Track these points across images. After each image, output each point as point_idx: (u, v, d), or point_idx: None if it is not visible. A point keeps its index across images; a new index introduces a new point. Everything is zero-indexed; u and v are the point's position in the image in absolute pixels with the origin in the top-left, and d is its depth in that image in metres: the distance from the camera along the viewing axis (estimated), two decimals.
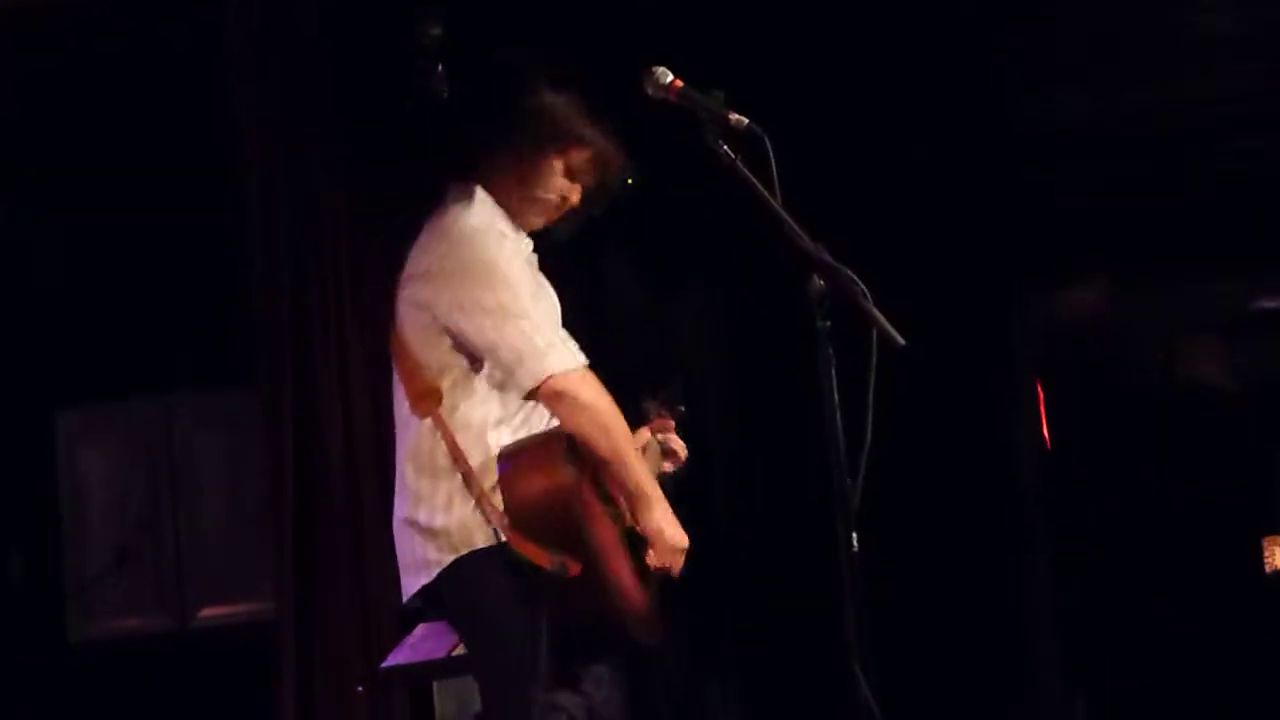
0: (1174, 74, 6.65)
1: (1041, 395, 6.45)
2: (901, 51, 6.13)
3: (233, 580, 6.60)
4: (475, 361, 3.61)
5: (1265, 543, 6.26)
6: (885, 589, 3.60)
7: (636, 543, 3.69)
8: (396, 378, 3.73)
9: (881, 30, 6.12)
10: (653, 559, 3.65)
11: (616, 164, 3.83)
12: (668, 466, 4.07)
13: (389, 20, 5.83)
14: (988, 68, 6.25)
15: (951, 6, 6.17)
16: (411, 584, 3.69)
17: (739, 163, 3.43)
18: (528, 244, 3.79)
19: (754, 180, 3.41)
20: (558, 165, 3.76)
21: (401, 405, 3.71)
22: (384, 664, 4.94)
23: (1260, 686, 6.27)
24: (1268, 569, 6.16)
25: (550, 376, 3.51)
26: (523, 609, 3.51)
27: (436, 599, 3.71)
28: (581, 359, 3.60)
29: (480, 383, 3.63)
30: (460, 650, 4.60)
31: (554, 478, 3.50)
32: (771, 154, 3.38)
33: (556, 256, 3.96)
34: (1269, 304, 7.41)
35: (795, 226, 3.36)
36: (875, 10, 6.10)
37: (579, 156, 3.77)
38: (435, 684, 5.05)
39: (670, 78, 3.55)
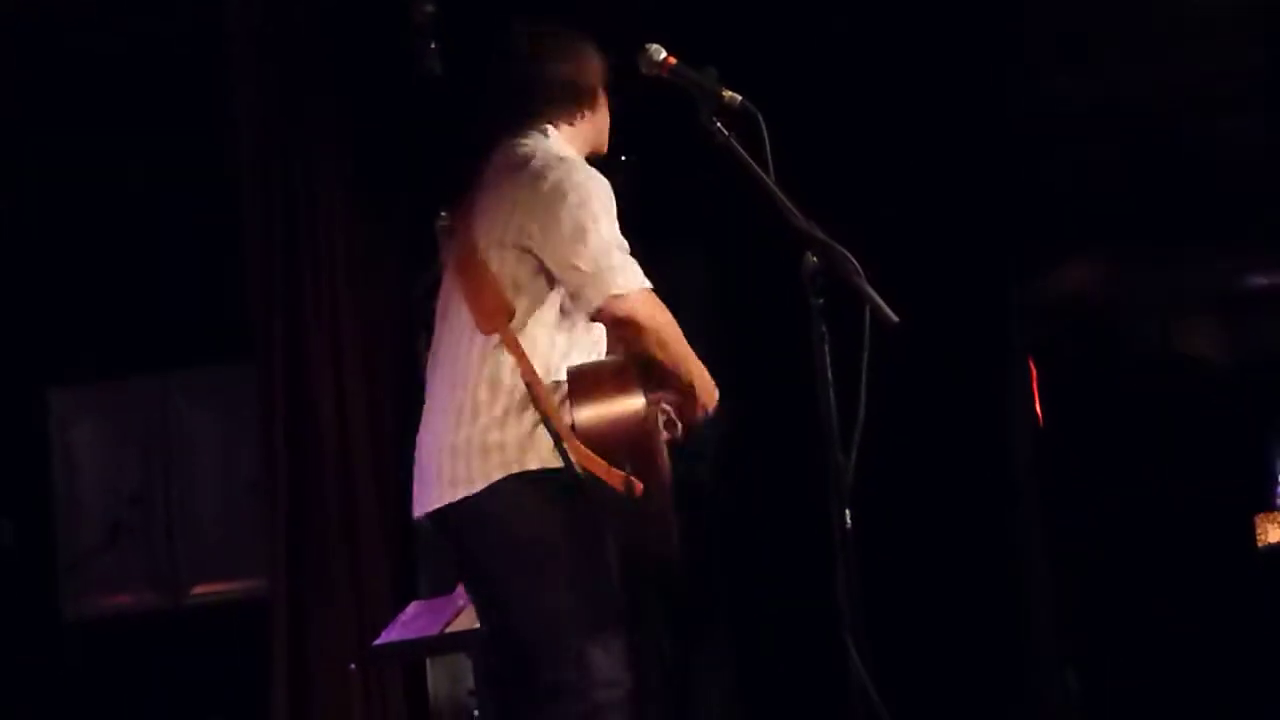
0: (1168, 53, 6.64)
1: (1035, 373, 6.45)
2: (895, 30, 6.12)
3: (225, 557, 6.61)
4: (552, 285, 3.60)
5: (1258, 520, 6.28)
6: (879, 565, 3.60)
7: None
8: (456, 300, 3.70)
9: (875, 9, 6.10)
10: (670, 400, 3.69)
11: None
12: (665, 435, 4.07)
13: (385, 2, 5.82)
14: (982, 47, 6.24)
15: None
16: (436, 498, 3.62)
17: (732, 139, 3.43)
18: (606, 181, 3.76)
19: (747, 157, 3.41)
20: (605, 96, 3.85)
21: (459, 325, 3.68)
22: (377, 642, 4.94)
23: (1256, 664, 6.28)
24: (1260, 544, 6.19)
25: (614, 296, 3.52)
26: (571, 542, 3.52)
27: (446, 526, 3.65)
28: (645, 280, 3.58)
29: (553, 311, 3.61)
30: (454, 627, 4.61)
31: (630, 404, 3.51)
32: (765, 131, 3.38)
33: None
34: (1263, 281, 7.42)
35: (789, 204, 3.36)
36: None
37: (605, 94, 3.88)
38: (428, 661, 5.06)
39: (664, 54, 3.55)
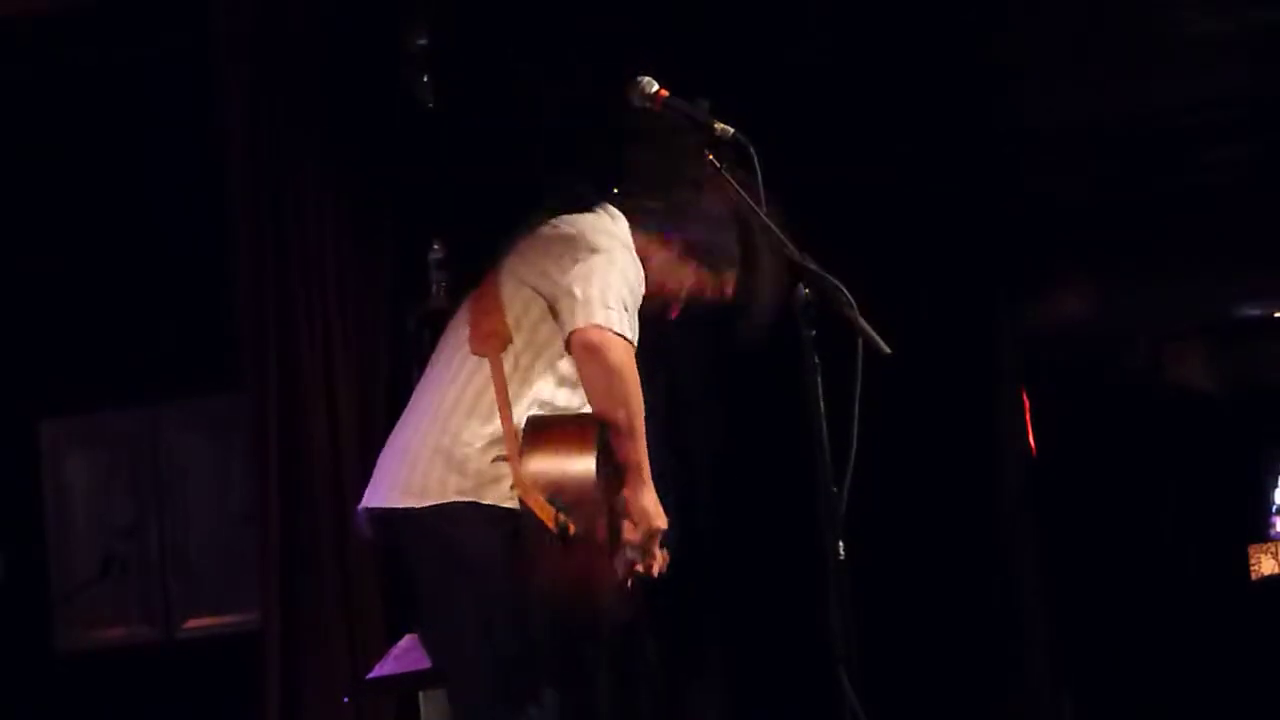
0: (1158, 77, 6.66)
1: (1027, 402, 6.46)
2: (885, 56, 6.13)
3: (218, 591, 6.59)
4: (554, 331, 3.60)
5: (1252, 550, 6.28)
6: (872, 596, 3.59)
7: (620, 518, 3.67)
8: (463, 319, 3.71)
9: (865, 35, 6.12)
10: (630, 533, 3.62)
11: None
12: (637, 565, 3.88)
13: (375, 29, 5.83)
14: (971, 72, 6.25)
15: (934, 12, 6.17)
16: (382, 499, 3.61)
17: (725, 172, 3.43)
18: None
19: (740, 190, 3.42)
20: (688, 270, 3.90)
21: (456, 341, 3.68)
22: (370, 675, 4.93)
23: (1249, 695, 6.28)
24: (1254, 576, 6.19)
25: (595, 325, 3.49)
26: (507, 583, 3.47)
27: (384, 530, 3.63)
28: (633, 335, 3.56)
29: (550, 360, 3.60)
30: None
31: (579, 460, 3.48)
32: (757, 163, 3.39)
33: None
34: (1254, 309, 7.43)
35: (781, 235, 3.36)
36: (859, 15, 6.11)
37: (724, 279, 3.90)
38: (421, 695, 5.04)
39: (656, 87, 3.56)
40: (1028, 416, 6.45)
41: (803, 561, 3.66)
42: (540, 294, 3.61)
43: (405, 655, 4.84)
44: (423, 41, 5.75)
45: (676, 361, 3.93)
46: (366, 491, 3.70)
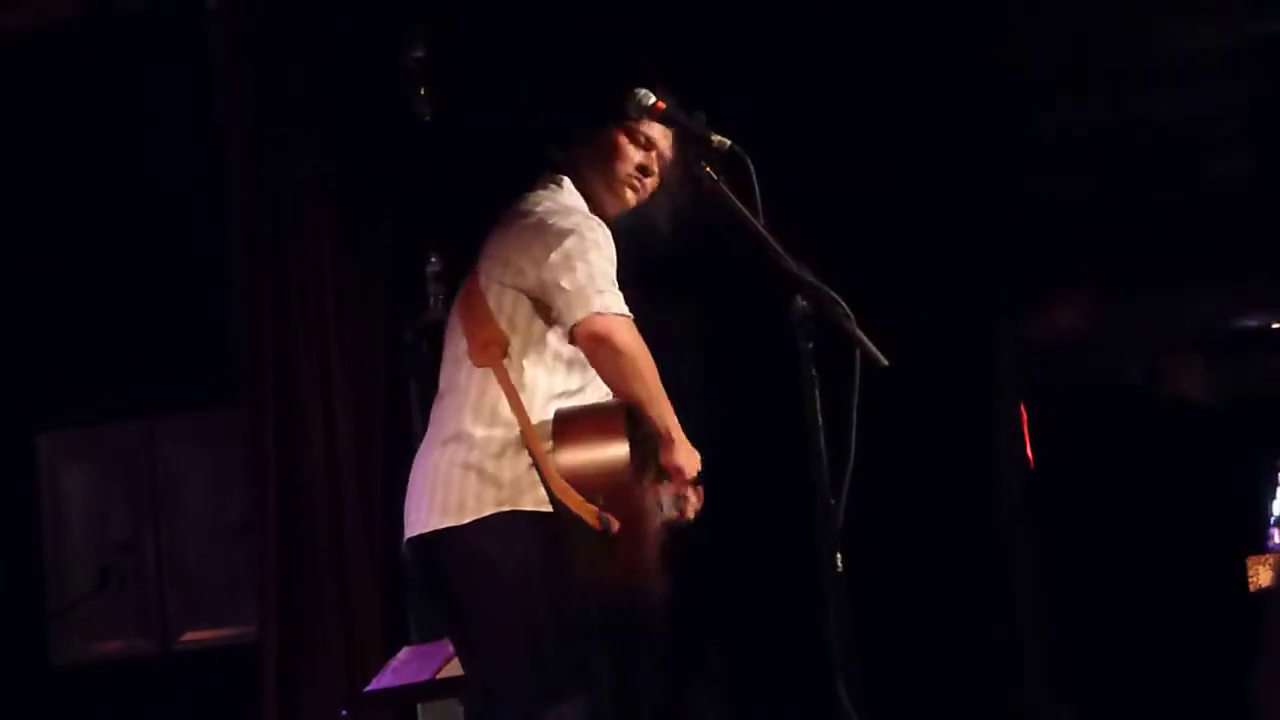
0: (1158, 89, 6.67)
1: (1024, 413, 6.46)
2: (882, 69, 6.13)
3: (215, 604, 6.58)
4: (549, 325, 3.62)
5: (1250, 562, 6.27)
6: (870, 607, 3.59)
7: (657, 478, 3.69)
8: (457, 333, 3.73)
9: (862, 48, 6.12)
10: (667, 489, 3.65)
11: (676, 148, 3.81)
12: (674, 514, 3.96)
13: (373, 40, 5.84)
14: (970, 85, 6.26)
15: (932, 25, 6.18)
16: (422, 523, 3.62)
17: (721, 184, 3.44)
18: (608, 231, 3.77)
19: (736, 201, 3.42)
20: (621, 137, 3.78)
21: (458, 356, 3.70)
22: (368, 688, 4.93)
23: (1244, 702, 6.26)
24: (1252, 588, 6.18)
25: (595, 314, 3.50)
26: (550, 589, 3.49)
27: (426, 554, 3.63)
28: (627, 311, 3.57)
29: (550, 350, 3.63)
30: (446, 673, 4.59)
31: (610, 447, 3.50)
32: (754, 175, 3.39)
33: None
34: (1252, 320, 7.43)
35: (778, 247, 3.37)
36: (855, 28, 6.11)
37: (644, 128, 3.77)
38: (419, 707, 5.03)
39: (653, 99, 3.57)
40: (1025, 427, 6.45)
41: (801, 572, 3.66)
42: (523, 291, 3.62)
43: (403, 668, 4.84)
44: (420, 54, 5.76)
45: (674, 375, 3.92)
46: (406, 522, 3.70)
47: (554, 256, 3.56)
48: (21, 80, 6.34)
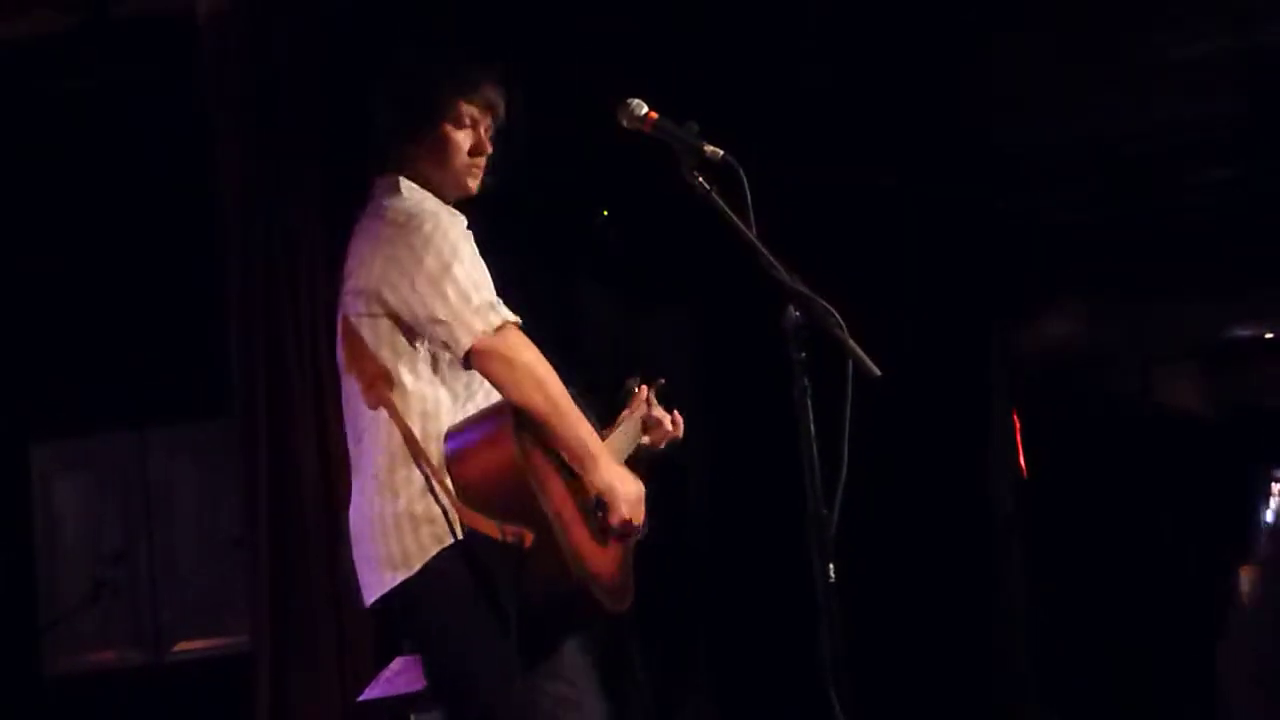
0: (1148, 101, 6.67)
1: (1018, 424, 6.46)
2: (875, 81, 6.14)
3: (208, 614, 6.58)
4: (417, 340, 3.55)
5: (1242, 571, 6.26)
6: (862, 618, 3.59)
7: (596, 508, 3.59)
8: (351, 376, 3.65)
9: (856, 59, 6.13)
10: (611, 517, 3.55)
11: (501, 101, 3.77)
12: (646, 440, 4.01)
13: (365, 59, 5.84)
14: (962, 96, 6.27)
15: (925, 36, 6.19)
16: (376, 585, 3.56)
17: (714, 194, 3.43)
18: (461, 219, 3.70)
19: (729, 212, 3.41)
20: (449, 129, 3.71)
21: (354, 399, 3.64)
22: (361, 697, 4.92)
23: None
24: (1244, 599, 6.17)
25: (478, 336, 3.43)
26: (482, 605, 3.43)
27: (397, 606, 3.57)
28: (512, 316, 3.49)
29: (425, 365, 3.56)
30: None
31: (500, 450, 3.42)
32: (747, 185, 3.38)
33: (530, 288, 3.95)
34: (1245, 330, 7.43)
35: (771, 257, 3.36)
36: (849, 38, 6.12)
37: (467, 110, 3.72)
38: (412, 717, 5.02)
39: (645, 110, 3.55)
40: (1019, 437, 6.46)
41: (794, 581, 3.66)
42: (391, 314, 3.55)
43: (396, 678, 4.83)
44: None
45: (672, 382, 3.93)
46: (362, 583, 3.63)
47: (419, 286, 3.48)
48: (13, 91, 6.34)
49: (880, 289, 5.75)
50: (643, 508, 3.60)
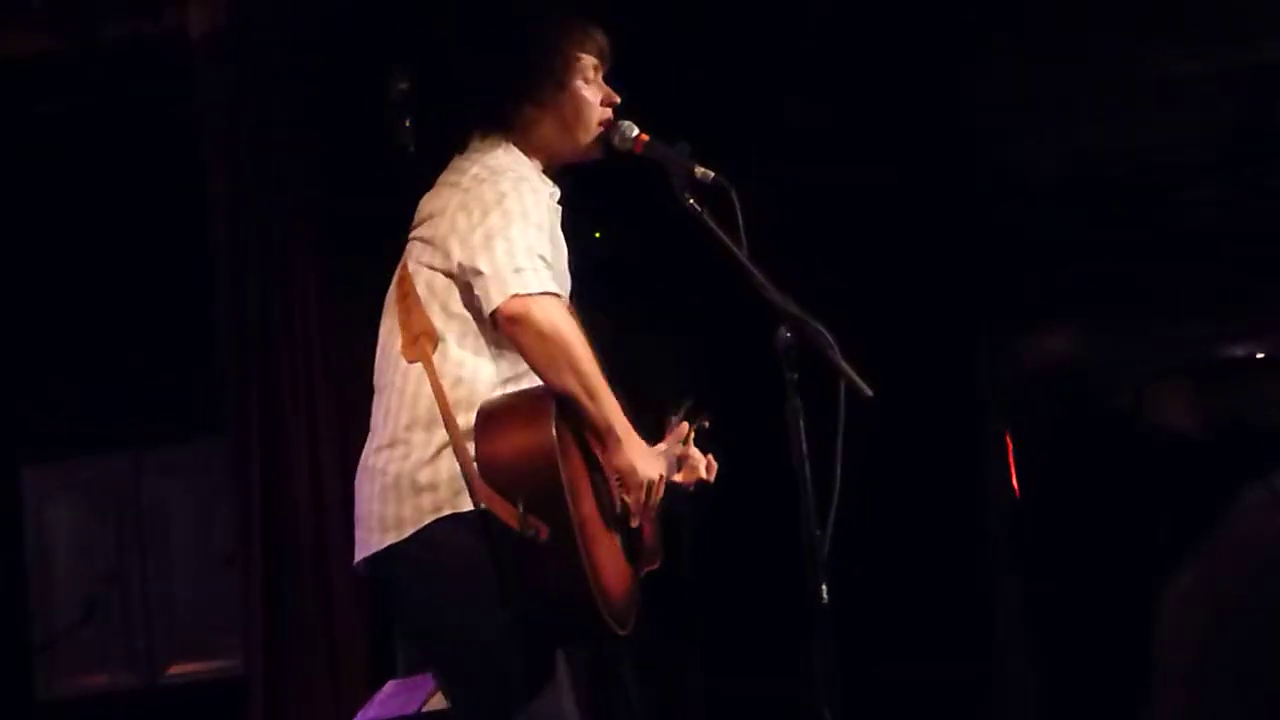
0: (1142, 119, 6.68)
1: (1010, 444, 6.46)
2: (868, 98, 6.15)
3: (201, 637, 6.56)
4: (477, 311, 3.41)
5: None
6: (855, 639, 3.59)
7: (631, 531, 3.50)
8: (390, 324, 3.54)
9: (847, 76, 6.14)
10: (628, 497, 3.45)
11: (606, 45, 3.69)
12: (679, 477, 3.82)
13: (358, 71, 5.85)
14: (955, 113, 6.28)
15: (917, 53, 6.20)
16: (374, 542, 3.43)
17: (705, 215, 3.43)
18: (552, 190, 3.59)
19: (720, 233, 3.41)
20: (579, 85, 3.62)
21: (392, 352, 3.51)
22: None
23: None
24: None
25: (512, 296, 3.28)
26: (474, 584, 3.30)
27: (378, 573, 3.47)
28: (554, 287, 3.35)
29: (474, 337, 3.43)
30: (431, 706, 4.58)
31: (536, 435, 3.26)
32: (738, 206, 3.39)
33: None
34: (1237, 350, 7.44)
35: (762, 278, 3.36)
36: (841, 55, 6.13)
37: (589, 61, 3.64)
38: None
39: (636, 131, 3.56)
40: (1011, 457, 6.46)
41: (787, 602, 3.66)
42: (452, 275, 3.44)
43: (389, 700, 4.82)
44: (404, 86, 5.76)
45: (658, 398, 3.92)
46: (356, 539, 3.53)
47: (476, 237, 3.36)
48: (2, 112, 6.34)
49: (873, 308, 5.75)
50: (658, 489, 3.47)
